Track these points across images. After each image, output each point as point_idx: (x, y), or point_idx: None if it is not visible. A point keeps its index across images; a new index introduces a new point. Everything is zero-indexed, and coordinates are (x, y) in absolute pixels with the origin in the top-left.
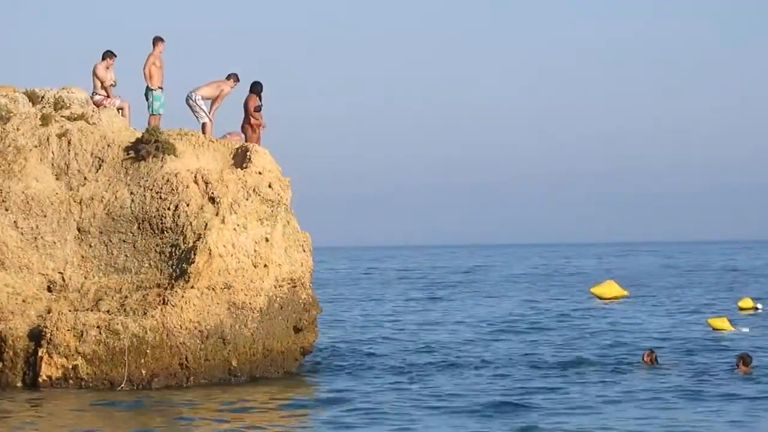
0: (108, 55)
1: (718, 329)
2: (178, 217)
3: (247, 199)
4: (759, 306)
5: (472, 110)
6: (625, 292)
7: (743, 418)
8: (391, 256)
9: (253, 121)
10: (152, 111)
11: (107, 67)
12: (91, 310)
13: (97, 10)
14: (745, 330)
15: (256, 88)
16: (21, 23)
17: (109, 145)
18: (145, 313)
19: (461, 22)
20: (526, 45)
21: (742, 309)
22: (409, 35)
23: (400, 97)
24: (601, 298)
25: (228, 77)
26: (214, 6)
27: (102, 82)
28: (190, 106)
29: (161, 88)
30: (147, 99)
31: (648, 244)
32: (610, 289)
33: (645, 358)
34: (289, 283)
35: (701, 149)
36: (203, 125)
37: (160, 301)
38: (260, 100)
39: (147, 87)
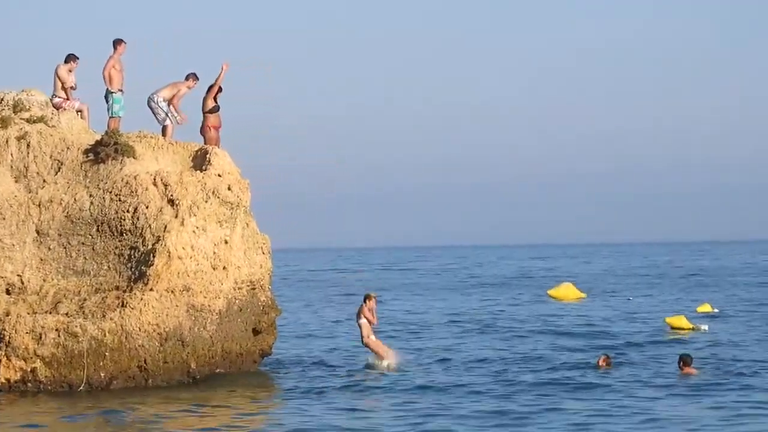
0: (71, 58)
1: (676, 328)
2: (137, 219)
3: (206, 201)
4: (716, 310)
5: (472, 110)
6: (583, 295)
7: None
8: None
9: (208, 122)
10: (112, 113)
11: (70, 70)
12: (50, 313)
13: (93, 9)
14: (704, 327)
15: (209, 86)
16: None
17: (68, 148)
18: (103, 316)
19: (461, 22)
20: (526, 45)
21: (700, 313)
22: (409, 35)
23: (400, 97)
24: (558, 301)
25: (187, 77)
26: (214, 6)
27: (63, 84)
28: (152, 108)
29: (121, 90)
30: (107, 102)
31: (643, 245)
32: (566, 292)
33: (600, 362)
34: (248, 286)
35: (701, 149)
36: (164, 128)
37: (118, 303)
38: (208, 99)
39: (107, 90)
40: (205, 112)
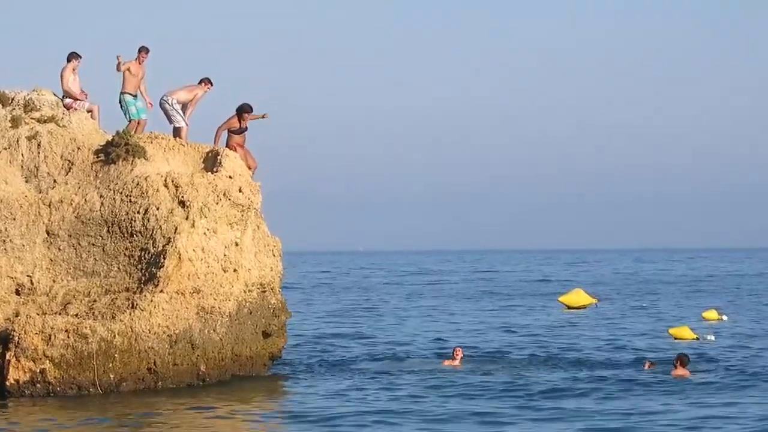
0: (73, 56)
1: (679, 338)
2: (148, 220)
3: (217, 203)
4: (724, 317)
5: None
6: (594, 300)
7: None
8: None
9: (233, 140)
10: (130, 116)
11: (74, 69)
12: (60, 314)
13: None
14: (711, 338)
15: (241, 109)
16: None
17: (79, 148)
18: (113, 317)
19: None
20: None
21: (706, 320)
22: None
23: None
24: (569, 307)
25: (200, 82)
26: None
27: (62, 85)
28: (165, 110)
29: (133, 95)
30: (121, 107)
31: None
32: (578, 297)
33: (646, 366)
34: (258, 288)
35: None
36: (179, 129)
37: (128, 305)
38: (241, 121)
39: (120, 93)
40: (231, 132)
